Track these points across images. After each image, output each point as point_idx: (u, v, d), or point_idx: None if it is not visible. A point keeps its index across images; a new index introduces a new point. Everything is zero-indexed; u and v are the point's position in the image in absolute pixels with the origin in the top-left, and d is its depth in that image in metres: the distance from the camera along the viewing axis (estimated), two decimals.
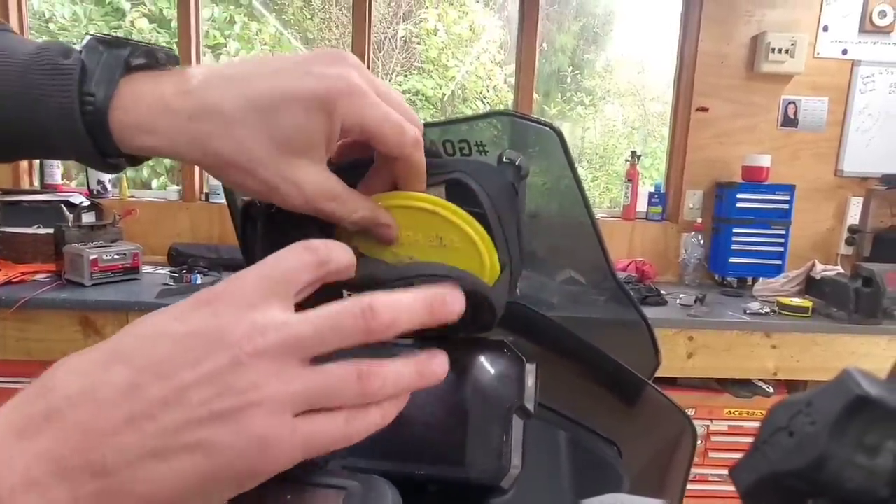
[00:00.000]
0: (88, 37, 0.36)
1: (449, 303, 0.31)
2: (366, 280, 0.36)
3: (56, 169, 2.71)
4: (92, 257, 2.10)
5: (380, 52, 5.35)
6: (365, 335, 0.28)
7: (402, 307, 0.29)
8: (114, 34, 0.39)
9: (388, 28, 5.42)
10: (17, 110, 0.35)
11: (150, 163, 4.65)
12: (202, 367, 0.25)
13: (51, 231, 2.26)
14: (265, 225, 0.44)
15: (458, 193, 0.41)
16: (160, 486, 0.25)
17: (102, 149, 0.36)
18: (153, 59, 0.36)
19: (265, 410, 0.26)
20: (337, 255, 0.30)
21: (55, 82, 0.34)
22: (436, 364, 0.32)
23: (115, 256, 2.18)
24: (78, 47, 0.36)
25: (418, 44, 5.49)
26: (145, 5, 4.81)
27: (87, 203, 2.46)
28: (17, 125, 0.35)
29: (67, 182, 2.87)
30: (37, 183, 2.75)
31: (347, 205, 0.37)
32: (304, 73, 0.35)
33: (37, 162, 2.74)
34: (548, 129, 0.50)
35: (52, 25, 4.65)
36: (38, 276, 2.19)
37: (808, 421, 0.19)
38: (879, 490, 0.18)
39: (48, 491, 0.23)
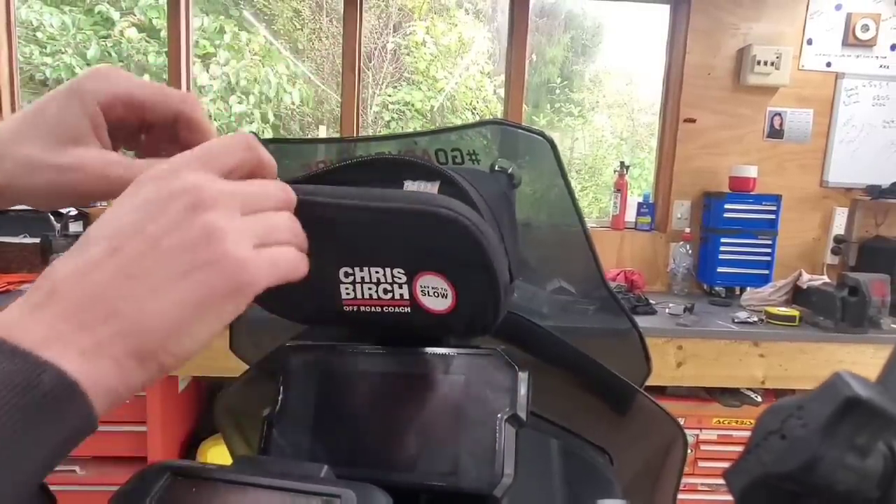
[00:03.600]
0: None
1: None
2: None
3: None
4: None
5: (370, 63, 5.37)
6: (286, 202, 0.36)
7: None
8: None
9: (378, 39, 5.43)
10: None
11: None
12: (164, 217, 0.30)
13: (37, 241, 2.24)
14: None
15: (452, 196, 0.41)
16: (166, 315, 0.29)
17: None
18: None
19: (232, 239, 0.31)
20: (264, 152, 0.36)
21: None
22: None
23: None
24: None
25: (408, 55, 5.51)
26: (135, 15, 4.80)
27: (74, 212, 2.44)
28: None
29: None
30: None
31: (135, 168, 0.39)
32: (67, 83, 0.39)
33: None
34: (539, 137, 0.50)
35: (39, 34, 4.63)
36: (25, 286, 2.16)
37: (800, 423, 0.19)
38: (870, 491, 0.18)
39: (72, 341, 0.27)
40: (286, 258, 0.34)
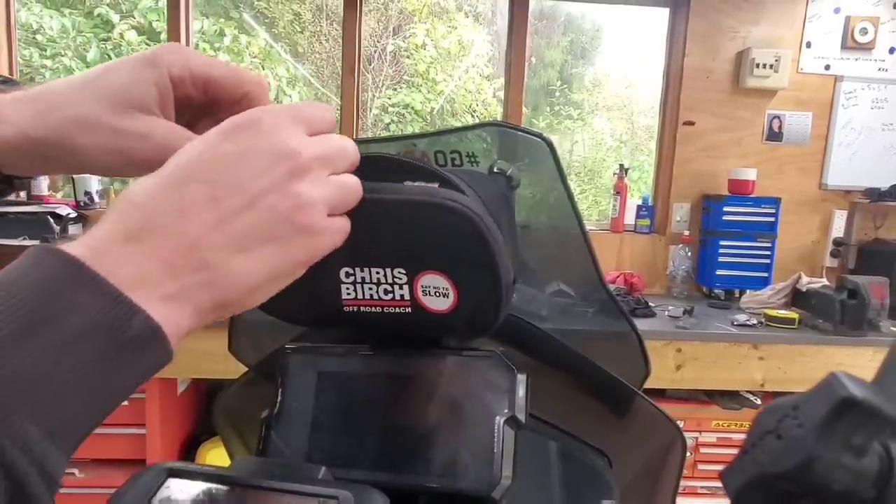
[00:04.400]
0: None
1: None
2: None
3: (43, 181, 2.69)
4: None
5: (370, 65, 5.37)
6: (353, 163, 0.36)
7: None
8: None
9: (378, 42, 5.44)
10: None
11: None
12: (268, 176, 0.31)
13: (36, 243, 2.23)
14: None
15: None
16: (249, 274, 0.31)
17: None
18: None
19: (315, 209, 0.32)
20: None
21: None
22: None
23: None
24: None
25: (407, 58, 5.52)
26: (134, 17, 4.80)
27: (73, 215, 2.44)
28: None
29: (54, 194, 2.85)
30: (23, 194, 2.72)
31: None
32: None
33: None
34: (538, 139, 0.50)
35: (39, 37, 4.63)
36: None
37: (796, 423, 0.19)
38: (866, 491, 0.18)
39: (159, 285, 0.28)
40: (342, 228, 0.35)
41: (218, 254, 0.30)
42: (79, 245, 0.28)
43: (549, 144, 0.50)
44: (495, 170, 0.48)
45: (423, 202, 0.38)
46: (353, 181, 0.36)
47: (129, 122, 0.37)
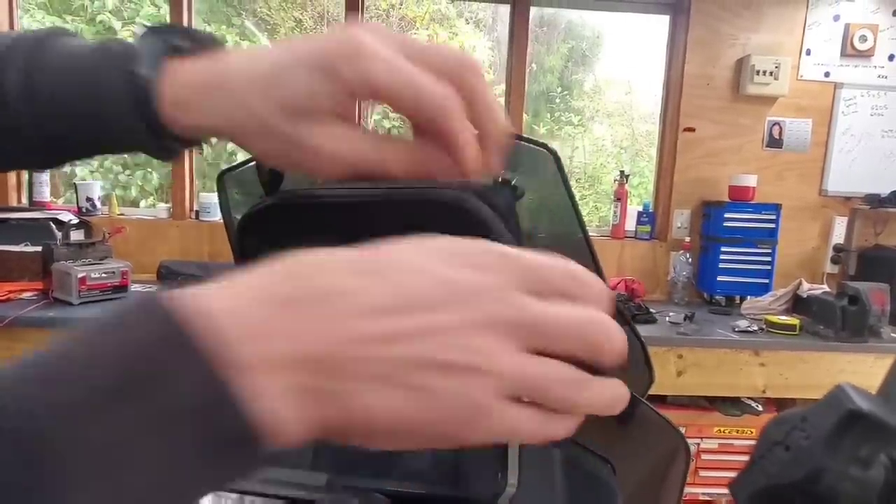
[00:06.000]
0: (142, 27, 0.40)
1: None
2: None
3: (44, 187, 2.69)
4: (80, 275, 2.09)
5: None
6: (595, 351, 0.28)
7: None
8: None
9: None
10: (82, 99, 0.39)
11: (139, 182, 4.63)
12: (456, 314, 0.26)
13: (38, 249, 2.24)
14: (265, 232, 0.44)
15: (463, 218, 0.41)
16: (372, 411, 0.25)
17: (154, 130, 0.38)
18: (196, 42, 0.39)
19: (488, 382, 0.26)
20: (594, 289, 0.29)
21: (108, 64, 0.38)
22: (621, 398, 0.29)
23: (104, 275, 2.17)
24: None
25: None
26: (136, 24, 4.83)
27: (75, 221, 2.44)
28: (83, 115, 0.39)
29: (55, 200, 2.86)
30: (25, 200, 2.73)
31: (383, 153, 0.36)
32: (311, 40, 0.35)
33: (25, 179, 2.73)
34: (543, 149, 0.51)
35: None
36: (25, 295, 2.16)
37: (804, 435, 0.20)
38: (872, 502, 0.19)
39: (278, 370, 0.24)
40: (524, 427, 0.28)
41: (354, 369, 0.25)
42: (211, 293, 0.24)
43: (554, 155, 0.50)
44: (500, 180, 0.48)
45: (429, 201, 0.38)
46: (562, 372, 0.27)
47: (303, 131, 0.35)
